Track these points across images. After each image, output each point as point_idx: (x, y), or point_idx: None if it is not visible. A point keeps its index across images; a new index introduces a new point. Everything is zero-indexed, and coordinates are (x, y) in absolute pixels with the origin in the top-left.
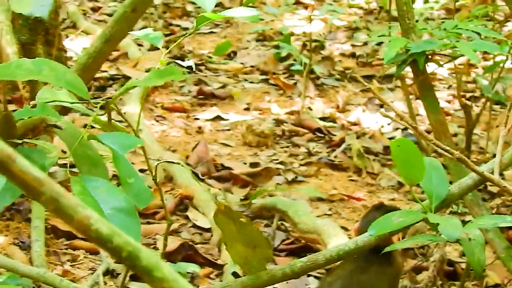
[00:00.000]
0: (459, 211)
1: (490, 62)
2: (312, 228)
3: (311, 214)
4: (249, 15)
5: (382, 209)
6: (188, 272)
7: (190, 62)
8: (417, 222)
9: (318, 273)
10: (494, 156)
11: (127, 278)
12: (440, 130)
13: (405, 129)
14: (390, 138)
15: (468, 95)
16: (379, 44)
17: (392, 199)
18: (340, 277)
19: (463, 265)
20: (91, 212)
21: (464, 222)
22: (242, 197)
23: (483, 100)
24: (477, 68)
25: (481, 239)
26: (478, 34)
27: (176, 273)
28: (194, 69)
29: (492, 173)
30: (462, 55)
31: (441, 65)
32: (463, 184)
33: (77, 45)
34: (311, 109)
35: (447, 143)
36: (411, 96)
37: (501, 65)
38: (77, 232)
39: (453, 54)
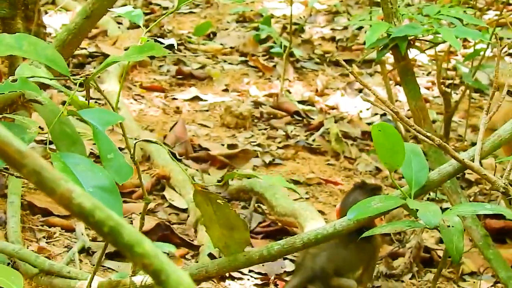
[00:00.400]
0: (436, 198)
1: (470, 50)
2: (289, 211)
3: (288, 197)
4: None
5: (363, 188)
6: (163, 252)
7: (171, 41)
8: (396, 208)
9: (294, 256)
10: (472, 144)
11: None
12: (420, 116)
13: (384, 114)
14: (369, 123)
15: (447, 82)
16: (359, 28)
17: None
18: (325, 249)
19: (440, 252)
20: (74, 186)
21: (442, 210)
22: (219, 179)
23: (462, 87)
24: (456, 55)
25: (460, 226)
26: (460, 20)
27: (157, 249)
28: (176, 47)
29: (473, 160)
30: (444, 42)
31: (423, 51)
32: (443, 171)
33: (56, 22)
34: (290, 92)
35: (427, 129)
36: (390, 82)
37: (482, 53)
38: (59, 206)
39: (434, 40)
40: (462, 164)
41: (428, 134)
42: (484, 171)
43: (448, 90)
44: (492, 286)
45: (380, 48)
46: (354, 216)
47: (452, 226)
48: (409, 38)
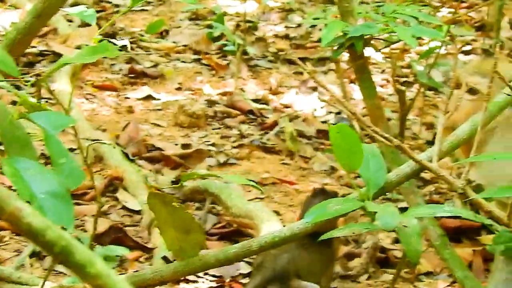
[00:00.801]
0: (391, 197)
1: (424, 48)
2: (244, 212)
3: (243, 198)
4: None
5: (323, 194)
6: (117, 256)
7: (125, 42)
8: (354, 210)
9: (251, 258)
10: (427, 141)
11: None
12: (377, 115)
13: (339, 113)
14: (324, 122)
15: (401, 80)
16: (313, 26)
17: (325, 184)
18: (286, 251)
19: (396, 252)
20: (23, 204)
21: (398, 209)
22: (174, 179)
23: (416, 85)
24: (410, 53)
25: (418, 228)
26: (416, 18)
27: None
28: (129, 49)
29: (431, 161)
30: (399, 40)
31: (378, 50)
32: (401, 172)
33: (4, 20)
34: (243, 91)
35: (383, 128)
36: (344, 80)
37: (436, 50)
38: (9, 224)
39: (390, 39)
40: (420, 165)
41: (386, 135)
42: (443, 172)
43: (403, 88)
44: (448, 286)
45: (336, 47)
46: (312, 219)
47: (410, 228)
48: (365, 37)
